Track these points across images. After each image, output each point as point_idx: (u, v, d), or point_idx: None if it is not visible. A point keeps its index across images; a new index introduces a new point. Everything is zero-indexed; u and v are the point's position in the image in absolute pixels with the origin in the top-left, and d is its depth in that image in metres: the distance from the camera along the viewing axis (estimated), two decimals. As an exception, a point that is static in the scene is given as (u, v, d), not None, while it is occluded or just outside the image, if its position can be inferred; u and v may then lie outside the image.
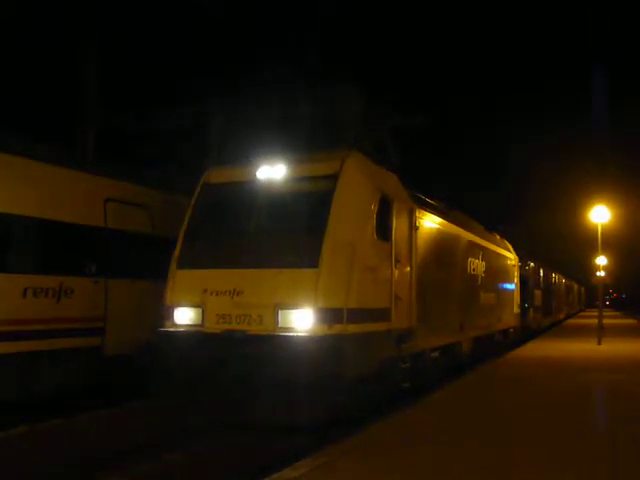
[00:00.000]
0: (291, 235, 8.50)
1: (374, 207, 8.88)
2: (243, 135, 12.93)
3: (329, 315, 7.98)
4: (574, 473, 6.19)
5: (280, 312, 8.16)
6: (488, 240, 17.29)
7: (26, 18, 19.92)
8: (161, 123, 17.81)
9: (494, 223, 22.20)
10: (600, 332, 22.82)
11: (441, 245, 12.24)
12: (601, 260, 34.61)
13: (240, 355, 8.11)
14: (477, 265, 15.29)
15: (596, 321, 24.86)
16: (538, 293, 29.66)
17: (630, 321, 50.05)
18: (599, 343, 21.87)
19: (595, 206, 23.87)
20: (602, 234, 23.67)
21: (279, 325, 8.16)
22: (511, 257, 21.30)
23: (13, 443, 8.04)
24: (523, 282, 24.67)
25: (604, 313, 28.86)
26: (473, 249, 14.98)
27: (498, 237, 20.49)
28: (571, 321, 47.72)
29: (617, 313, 77.82)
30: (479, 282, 15.51)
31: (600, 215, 23.65)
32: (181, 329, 8.79)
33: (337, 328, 8.00)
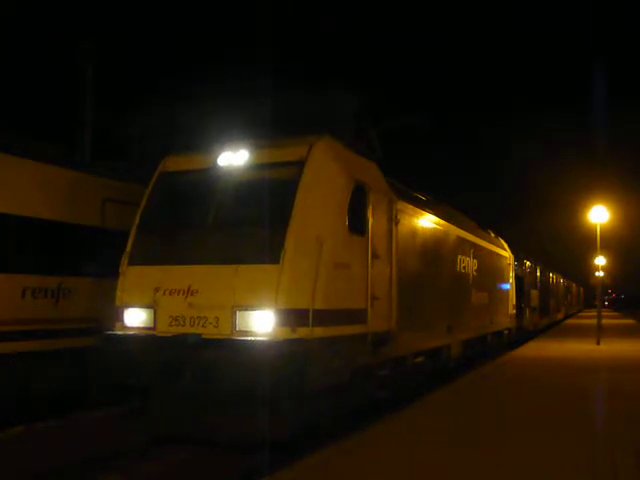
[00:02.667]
0: (252, 227, 7.62)
1: (346, 197, 7.97)
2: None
3: (292, 317, 7.10)
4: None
5: (238, 314, 7.28)
6: (480, 237, 16.36)
7: (26, 18, 19.53)
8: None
9: (493, 223, 21.71)
10: (599, 332, 22.68)
11: (426, 241, 11.33)
12: (600, 260, 34.65)
13: (194, 362, 7.22)
14: (467, 263, 14.38)
15: (595, 321, 24.86)
16: (535, 293, 28.76)
17: (629, 321, 50.16)
18: (598, 343, 21.78)
19: (594, 206, 23.91)
20: (601, 234, 23.82)
21: (237, 328, 7.28)
22: (506, 255, 20.37)
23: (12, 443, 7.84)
24: (519, 282, 23.82)
25: (603, 313, 28.79)
26: (463, 246, 14.07)
27: (492, 234, 19.59)
28: (570, 321, 47.74)
29: (616, 313, 77.78)
30: (470, 281, 14.60)
31: (599, 215, 23.66)
32: (130, 332, 7.91)
33: (302, 332, 7.12)
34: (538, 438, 7.58)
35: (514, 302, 21.46)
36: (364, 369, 8.42)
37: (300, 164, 7.78)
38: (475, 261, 15.10)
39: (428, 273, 11.32)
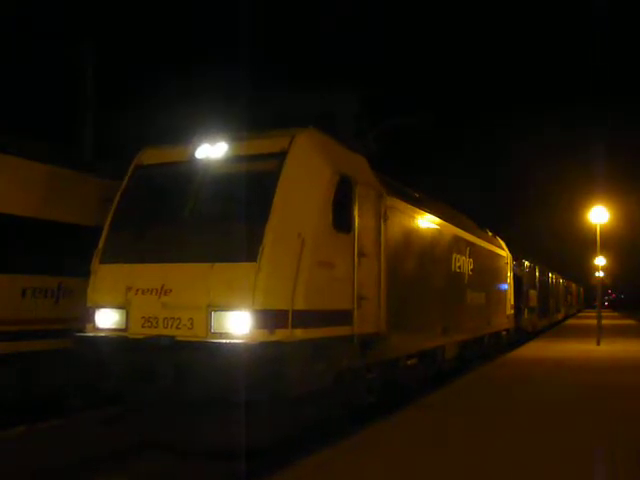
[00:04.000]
0: (229, 223, 7.17)
1: (331, 191, 7.51)
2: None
3: (270, 318, 6.65)
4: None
5: (213, 315, 6.83)
6: (477, 235, 15.89)
7: (26, 18, 19.32)
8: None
9: (492, 223, 21.44)
10: (599, 333, 22.55)
11: (419, 239, 10.89)
12: (600, 261, 34.51)
13: (167, 366, 6.79)
14: (463, 262, 13.92)
15: (595, 322, 24.74)
16: (533, 293, 28.34)
17: (629, 321, 50.24)
18: (598, 344, 21.69)
19: (594, 206, 23.86)
20: (601, 235, 23.76)
21: (212, 330, 6.84)
22: (504, 255, 19.90)
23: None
24: (517, 282, 23.42)
25: (603, 314, 28.60)
26: (458, 244, 13.61)
27: (490, 233, 19.14)
28: (570, 322, 47.67)
29: (616, 314, 77.70)
30: (465, 281, 14.14)
31: (599, 215, 23.58)
32: (101, 334, 7.47)
33: (280, 334, 6.67)
34: (537, 438, 7.43)
35: (512, 302, 21.01)
36: (351, 372, 7.98)
37: (281, 156, 7.34)
38: (471, 260, 14.64)
39: (421, 272, 10.88)
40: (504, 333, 19.72)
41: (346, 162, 8.26)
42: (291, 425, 7.21)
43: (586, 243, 34.79)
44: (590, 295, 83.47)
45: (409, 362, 10.31)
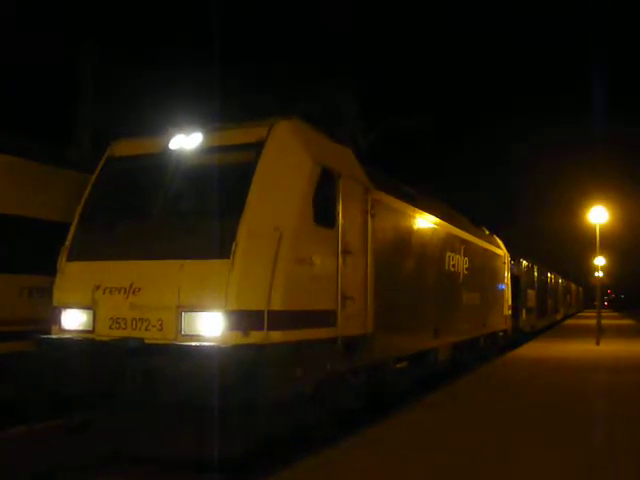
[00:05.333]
0: (202, 218, 6.72)
1: (312, 184, 7.04)
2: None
3: (244, 319, 6.20)
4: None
5: (184, 315, 6.38)
6: (472, 234, 15.40)
7: (26, 18, 18.97)
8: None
9: (492, 223, 21.14)
10: (599, 333, 22.50)
11: (410, 236, 10.42)
12: (599, 261, 34.35)
13: (134, 370, 6.34)
14: (458, 261, 13.46)
15: (595, 322, 24.81)
16: (532, 293, 27.87)
17: (629, 322, 50.17)
18: (598, 344, 21.59)
19: (593, 206, 23.81)
20: (600, 235, 23.73)
21: (182, 332, 6.39)
22: (501, 254, 19.42)
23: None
24: (515, 282, 22.97)
25: (602, 314, 28.42)
26: (453, 243, 13.14)
27: (487, 232, 18.66)
28: (569, 322, 47.47)
29: (616, 313, 77.64)
30: (460, 280, 13.68)
31: (598, 216, 23.51)
32: (67, 336, 7.02)
33: (255, 336, 6.21)
34: (537, 439, 7.35)
35: (510, 303, 20.55)
36: (334, 377, 7.52)
37: (258, 146, 6.88)
38: (466, 259, 14.17)
39: (412, 271, 10.43)
40: (501, 334, 19.26)
41: (329, 153, 7.81)
42: (267, 432, 6.77)
43: (586, 243, 34.74)
44: (590, 295, 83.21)
45: (399, 365, 9.86)
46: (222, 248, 6.28)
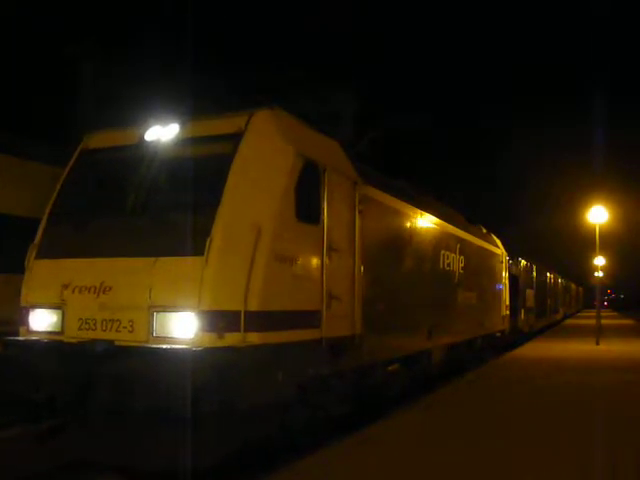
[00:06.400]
0: (176, 213, 6.33)
1: (293, 177, 6.65)
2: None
3: (219, 320, 5.82)
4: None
5: (156, 316, 6.01)
6: (469, 232, 14.99)
7: (25, 17, 18.69)
8: None
9: (491, 222, 20.85)
10: (598, 333, 22.43)
11: (402, 233, 10.03)
12: (599, 260, 34.23)
13: (104, 374, 5.96)
14: (453, 260, 13.06)
15: (594, 321, 24.69)
16: (530, 293, 27.48)
17: (628, 321, 49.95)
18: (597, 344, 21.53)
19: (593, 206, 23.74)
20: (600, 234, 23.69)
21: (154, 334, 6.01)
22: (498, 253, 19.01)
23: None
24: (513, 281, 22.59)
25: (602, 313, 28.10)
26: (448, 241, 12.75)
27: (484, 230, 18.27)
28: (569, 322, 47.29)
29: (615, 313, 77.49)
30: (455, 279, 13.28)
31: (598, 215, 23.46)
32: (34, 337, 6.64)
33: (231, 338, 5.83)
34: (535, 440, 7.24)
35: (508, 303, 20.14)
36: (318, 381, 7.14)
37: (237, 137, 6.51)
38: (462, 258, 13.77)
39: (404, 270, 10.04)
40: (499, 334, 18.86)
41: (313, 145, 7.42)
42: (247, 439, 6.38)
43: (586, 243, 34.61)
44: (590, 295, 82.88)
45: (390, 368, 9.47)
46: (196, 244, 5.90)
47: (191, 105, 7.72)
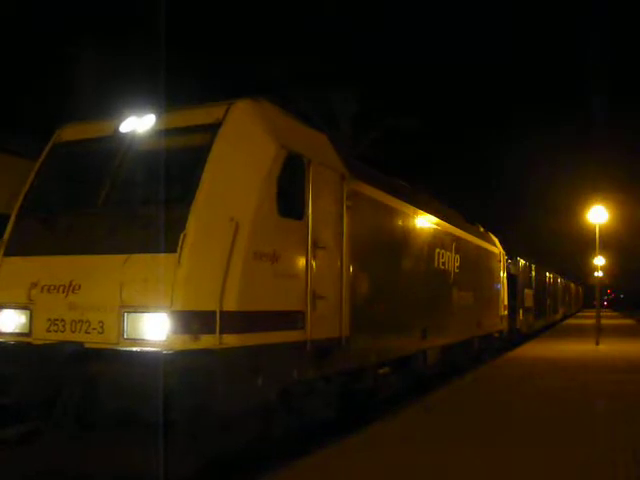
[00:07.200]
0: (149, 207, 5.98)
1: (275, 169, 6.29)
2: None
3: (193, 321, 5.47)
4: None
5: (127, 317, 5.66)
6: (465, 230, 14.64)
7: (26, 17, 18.46)
8: None
9: (491, 222, 20.60)
10: (598, 333, 22.24)
11: (394, 230, 9.68)
12: (599, 260, 34.01)
13: (72, 378, 5.62)
14: (448, 258, 12.71)
15: (594, 321, 24.46)
16: (529, 293, 27.12)
17: (628, 321, 49.70)
18: (597, 344, 21.36)
19: (593, 206, 23.55)
20: (600, 234, 23.51)
21: (125, 336, 5.67)
22: (496, 252, 18.65)
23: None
24: (512, 281, 22.25)
25: (602, 313, 27.82)
26: (443, 238, 12.39)
27: (481, 229, 17.93)
28: (568, 322, 47.10)
29: (615, 313, 77.27)
30: (451, 279, 12.93)
31: (598, 215, 23.26)
32: (1, 339, 6.29)
33: (205, 340, 5.48)
34: (534, 440, 7.14)
35: (506, 303, 19.80)
36: (302, 385, 6.79)
37: (215, 127, 6.16)
38: (458, 256, 13.42)
39: (396, 269, 9.69)
40: (497, 335, 18.51)
41: (298, 137, 7.06)
42: (226, 446, 6.04)
43: (585, 243, 34.36)
44: (589, 295, 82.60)
45: (381, 371, 9.10)
46: (169, 241, 5.55)
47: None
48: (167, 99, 7.83)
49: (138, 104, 7.01)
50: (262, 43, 22.15)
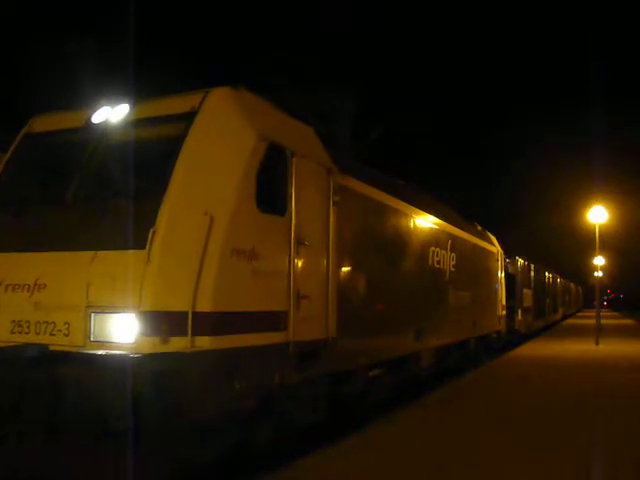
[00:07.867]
0: (118, 201, 5.63)
1: (254, 162, 5.92)
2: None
3: (163, 323, 5.12)
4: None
5: (93, 317, 5.32)
6: (461, 228, 14.27)
7: (26, 16, 18.24)
8: None
9: (490, 222, 20.32)
10: (598, 333, 22.23)
11: (384, 227, 9.32)
12: (599, 260, 33.84)
13: (35, 382, 5.27)
14: (443, 257, 12.35)
15: (594, 321, 24.51)
16: (528, 293, 26.77)
17: (628, 321, 49.67)
18: (597, 344, 21.34)
19: (593, 206, 23.57)
20: (600, 234, 23.51)
21: (91, 337, 5.32)
22: (494, 251, 18.29)
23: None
24: (510, 281, 21.92)
25: (602, 313, 27.57)
26: (438, 236, 12.03)
27: (479, 227, 17.57)
28: (568, 322, 46.91)
29: (615, 313, 77.18)
30: (446, 278, 12.57)
31: (598, 215, 23.26)
32: None
33: (177, 343, 5.13)
34: (534, 441, 7.08)
35: (504, 302, 19.45)
36: (285, 390, 6.44)
37: (190, 116, 5.81)
38: (453, 255, 13.06)
39: (387, 267, 9.33)
40: (495, 335, 18.17)
41: (281, 128, 6.70)
42: (202, 453, 5.69)
43: (585, 243, 34.16)
44: (589, 295, 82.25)
45: (372, 373, 8.75)
46: (138, 236, 5.20)
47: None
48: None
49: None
50: (262, 43, 21.87)
